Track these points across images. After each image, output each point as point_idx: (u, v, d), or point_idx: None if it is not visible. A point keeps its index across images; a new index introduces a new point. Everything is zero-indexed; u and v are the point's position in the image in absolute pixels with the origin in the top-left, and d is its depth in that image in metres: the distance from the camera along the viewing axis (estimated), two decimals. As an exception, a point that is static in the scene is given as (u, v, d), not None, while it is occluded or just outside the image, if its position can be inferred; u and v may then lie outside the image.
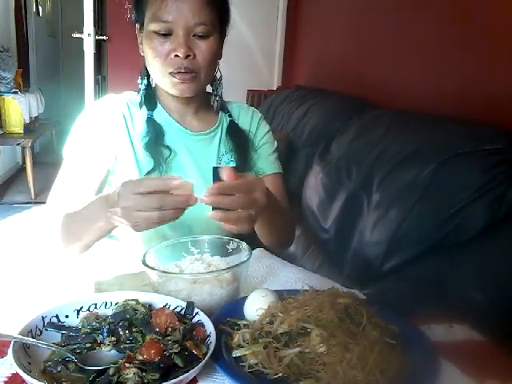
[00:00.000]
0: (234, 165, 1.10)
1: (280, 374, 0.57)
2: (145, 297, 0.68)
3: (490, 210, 1.01)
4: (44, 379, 0.52)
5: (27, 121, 3.71)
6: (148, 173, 0.99)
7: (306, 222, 1.60)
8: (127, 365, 0.54)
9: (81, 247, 0.93)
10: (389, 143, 1.32)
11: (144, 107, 1.05)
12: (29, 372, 0.52)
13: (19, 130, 3.67)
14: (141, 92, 1.07)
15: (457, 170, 1.08)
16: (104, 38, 3.22)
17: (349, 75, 2.25)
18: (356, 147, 1.47)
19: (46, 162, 4.86)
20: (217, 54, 1.00)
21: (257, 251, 1.00)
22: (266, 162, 1.13)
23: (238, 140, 1.11)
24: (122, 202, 0.72)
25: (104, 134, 1.02)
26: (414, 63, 1.73)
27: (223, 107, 1.14)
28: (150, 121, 1.03)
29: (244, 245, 0.80)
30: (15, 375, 0.55)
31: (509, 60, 1.26)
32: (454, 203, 1.04)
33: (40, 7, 5.55)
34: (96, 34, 3.02)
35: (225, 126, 1.12)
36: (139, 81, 1.09)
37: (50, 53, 6.16)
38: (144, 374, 0.53)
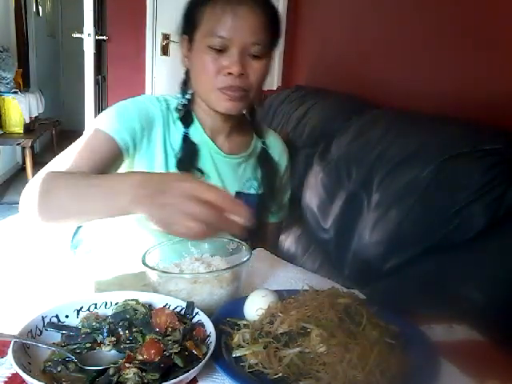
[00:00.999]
0: (255, 192, 1.10)
1: (280, 374, 0.57)
2: (145, 297, 0.68)
3: (489, 210, 1.00)
4: (44, 379, 0.52)
5: (27, 121, 3.71)
6: None
7: (306, 222, 1.60)
8: (127, 365, 0.54)
9: (71, 217, 0.79)
10: (389, 143, 1.32)
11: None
12: (29, 372, 0.52)
13: (19, 130, 3.67)
14: (179, 106, 1.04)
15: (457, 170, 1.08)
16: (104, 37, 3.22)
17: (349, 75, 2.25)
18: (356, 147, 1.47)
19: (46, 162, 4.85)
20: (266, 76, 0.99)
21: (257, 251, 1.00)
22: (277, 204, 1.15)
23: (267, 169, 1.12)
24: (173, 198, 0.60)
25: (139, 118, 0.98)
26: (413, 63, 1.73)
27: (258, 132, 1.13)
28: (186, 139, 1.02)
29: (244, 245, 0.80)
30: (15, 375, 0.55)
31: (509, 60, 1.26)
32: (453, 203, 1.04)
33: (40, 7, 5.55)
34: (96, 33, 3.03)
35: (256, 152, 1.12)
36: (179, 95, 1.06)
37: (50, 53, 6.16)
38: (144, 373, 0.53)
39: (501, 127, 1.12)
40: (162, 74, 3.39)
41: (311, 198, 1.60)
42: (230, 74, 0.92)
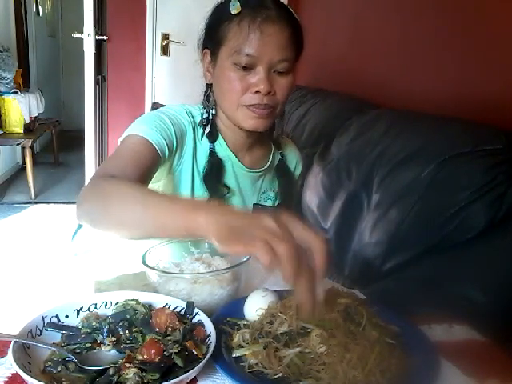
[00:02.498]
0: (271, 203, 1.10)
1: (280, 374, 0.57)
2: (145, 297, 0.68)
3: (490, 210, 1.01)
4: (44, 379, 0.52)
5: (27, 121, 3.71)
6: None
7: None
8: (127, 365, 0.54)
9: (133, 233, 0.72)
10: (389, 143, 1.32)
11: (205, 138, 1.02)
12: (29, 372, 0.52)
13: (19, 130, 3.67)
14: (204, 122, 1.02)
15: (457, 170, 1.08)
16: (104, 37, 3.22)
17: (349, 75, 2.25)
18: (356, 147, 1.47)
19: (46, 161, 4.87)
20: (292, 91, 0.98)
21: (257, 251, 1.00)
22: None
23: (285, 181, 1.11)
24: (271, 223, 0.55)
25: (175, 130, 0.96)
26: (413, 63, 1.73)
27: (277, 144, 1.13)
28: (212, 154, 1.01)
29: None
30: (15, 375, 0.55)
31: (509, 60, 1.26)
32: (454, 203, 1.04)
33: (40, 7, 5.55)
34: (96, 34, 3.02)
35: (274, 163, 1.12)
36: (201, 110, 1.03)
37: (50, 53, 6.16)
38: (144, 373, 0.53)
39: (501, 127, 1.12)
40: (162, 74, 3.39)
41: (311, 197, 1.60)
42: (257, 92, 0.91)
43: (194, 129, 1.01)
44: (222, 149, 1.03)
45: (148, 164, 0.88)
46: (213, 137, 1.02)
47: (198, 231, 0.57)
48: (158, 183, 1.01)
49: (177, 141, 0.96)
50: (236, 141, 1.04)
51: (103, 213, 0.73)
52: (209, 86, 1.02)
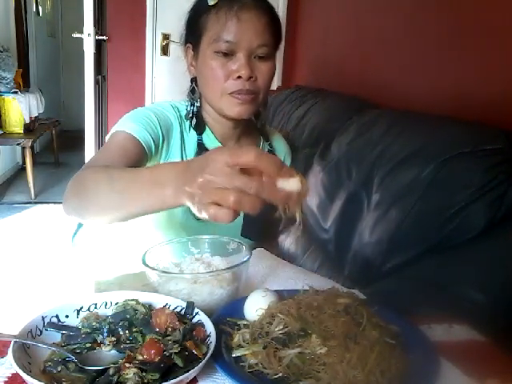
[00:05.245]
0: None
1: (280, 374, 0.57)
2: (145, 297, 0.68)
3: (490, 210, 1.00)
4: (44, 379, 0.52)
5: (27, 121, 3.71)
6: None
7: (306, 222, 1.60)
8: (127, 365, 0.54)
9: (115, 215, 0.73)
10: (389, 143, 1.32)
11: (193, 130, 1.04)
12: (29, 372, 0.52)
13: (19, 130, 3.67)
14: (190, 114, 1.04)
15: (457, 170, 1.08)
16: (104, 37, 3.22)
17: (349, 75, 2.25)
18: (356, 147, 1.47)
19: (46, 161, 4.88)
20: (273, 78, 1.00)
21: (257, 251, 1.00)
22: None
23: None
24: (209, 173, 0.54)
25: (161, 126, 0.98)
26: (414, 63, 1.73)
27: (265, 134, 1.14)
28: (201, 146, 1.02)
29: (244, 245, 0.80)
30: (15, 375, 0.55)
31: (509, 60, 1.26)
32: (454, 203, 1.04)
33: (40, 7, 5.55)
34: (96, 34, 3.03)
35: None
36: (187, 103, 1.06)
37: (50, 53, 6.16)
38: (144, 373, 0.53)
39: (501, 127, 1.12)
40: (162, 74, 3.39)
41: (311, 197, 1.60)
42: (239, 77, 0.93)
43: (180, 123, 1.03)
44: (210, 140, 1.05)
45: (134, 159, 0.90)
46: (200, 128, 1.04)
47: (170, 202, 0.60)
48: None
49: (163, 135, 0.98)
50: (224, 133, 1.06)
51: (84, 203, 0.76)
52: (193, 80, 1.04)
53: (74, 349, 0.59)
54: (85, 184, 0.77)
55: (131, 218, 0.72)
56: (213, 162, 0.54)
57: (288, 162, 1.20)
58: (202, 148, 1.02)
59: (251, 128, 1.12)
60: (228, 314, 0.69)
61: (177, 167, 0.62)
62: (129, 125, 0.94)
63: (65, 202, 0.80)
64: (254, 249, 0.99)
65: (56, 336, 0.61)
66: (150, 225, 1.05)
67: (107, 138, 0.95)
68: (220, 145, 1.05)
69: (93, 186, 0.75)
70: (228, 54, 0.94)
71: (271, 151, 1.13)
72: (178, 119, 1.03)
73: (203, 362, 0.55)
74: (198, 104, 1.05)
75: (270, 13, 0.98)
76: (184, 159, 1.02)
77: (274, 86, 3.26)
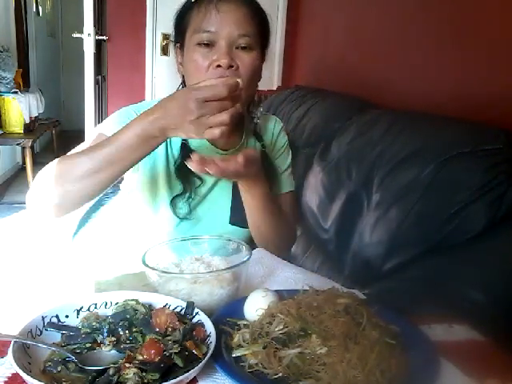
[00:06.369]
0: None
1: (280, 374, 0.57)
2: (145, 297, 0.68)
3: (490, 210, 1.01)
4: (44, 379, 0.52)
5: (27, 121, 3.71)
6: (177, 196, 1.01)
7: (306, 222, 1.60)
8: (127, 365, 0.54)
9: (106, 177, 0.84)
10: (389, 143, 1.32)
11: None
12: (29, 372, 0.52)
13: (19, 130, 3.67)
14: None
15: (457, 170, 1.08)
16: (104, 37, 3.22)
17: (349, 75, 2.25)
18: (356, 147, 1.47)
19: (46, 162, 4.84)
20: (258, 71, 0.99)
21: (257, 251, 1.00)
22: (279, 180, 1.13)
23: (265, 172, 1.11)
24: (197, 111, 0.77)
25: None
26: (414, 63, 1.73)
27: (257, 133, 1.13)
28: (185, 146, 1.02)
29: (244, 245, 0.80)
30: (15, 375, 0.55)
31: (509, 60, 1.26)
32: (454, 203, 1.04)
33: (40, 7, 5.55)
34: (96, 33, 3.03)
35: (249, 143, 1.10)
36: None
37: (50, 53, 6.16)
38: (144, 373, 0.53)
39: (501, 127, 1.12)
40: (162, 74, 3.39)
41: (311, 197, 1.60)
42: (219, 66, 0.92)
43: None
44: (197, 140, 1.04)
45: None
46: None
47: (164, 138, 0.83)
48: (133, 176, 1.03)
49: None
50: None
51: (61, 180, 0.86)
52: (183, 78, 1.05)
53: (74, 349, 0.59)
54: (63, 164, 0.88)
55: (116, 176, 0.84)
56: (192, 103, 0.78)
57: (283, 139, 1.18)
58: (185, 148, 1.02)
59: (241, 126, 1.10)
60: (228, 314, 0.69)
61: (147, 117, 0.84)
62: (109, 126, 0.95)
63: (33, 194, 0.89)
64: (254, 249, 0.99)
65: (56, 336, 0.61)
66: (141, 227, 1.05)
67: (90, 137, 0.98)
68: (206, 141, 1.04)
69: (76, 161, 0.86)
70: (209, 45, 0.94)
71: (264, 152, 1.11)
72: None
73: (203, 362, 0.55)
74: None
75: (251, 3, 0.98)
76: (170, 158, 1.02)
77: (274, 85, 3.26)
